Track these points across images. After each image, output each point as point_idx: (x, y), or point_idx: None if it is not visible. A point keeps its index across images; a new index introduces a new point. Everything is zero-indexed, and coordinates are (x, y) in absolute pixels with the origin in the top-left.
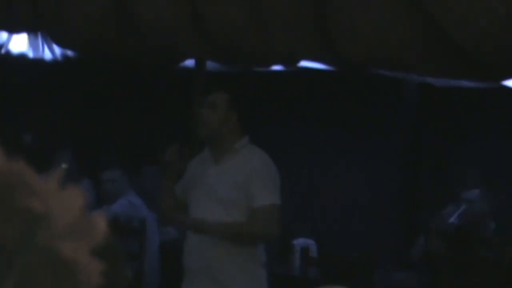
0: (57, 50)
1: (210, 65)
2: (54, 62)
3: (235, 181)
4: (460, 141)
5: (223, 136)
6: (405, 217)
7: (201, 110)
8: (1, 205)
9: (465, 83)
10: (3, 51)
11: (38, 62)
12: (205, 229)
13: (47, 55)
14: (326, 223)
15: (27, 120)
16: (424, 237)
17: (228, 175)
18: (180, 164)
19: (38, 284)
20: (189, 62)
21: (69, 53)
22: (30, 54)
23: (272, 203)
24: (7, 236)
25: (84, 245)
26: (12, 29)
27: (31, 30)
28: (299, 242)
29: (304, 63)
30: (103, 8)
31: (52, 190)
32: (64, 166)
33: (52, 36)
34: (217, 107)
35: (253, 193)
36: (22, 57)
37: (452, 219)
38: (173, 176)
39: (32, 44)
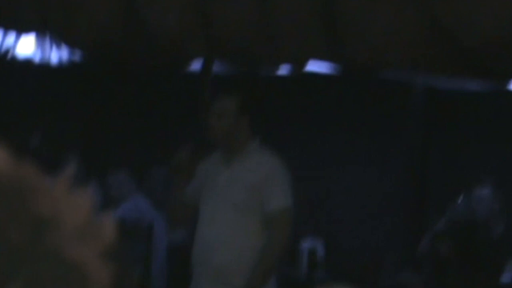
0: (65, 52)
1: (217, 68)
2: (61, 66)
3: (247, 185)
4: (468, 144)
5: (233, 140)
6: (413, 218)
7: (211, 115)
8: (10, 209)
9: (472, 87)
10: (9, 55)
11: (45, 66)
12: None
13: (54, 58)
14: (334, 223)
15: (34, 123)
16: (431, 236)
17: (240, 179)
18: (192, 166)
19: None
20: (197, 65)
21: (77, 56)
22: (37, 58)
23: (284, 206)
24: (16, 240)
25: (93, 248)
26: (20, 29)
27: (39, 30)
28: (306, 242)
29: (311, 67)
30: (111, 10)
31: (60, 194)
32: (71, 168)
33: (59, 35)
34: (227, 112)
35: (266, 196)
36: (28, 61)
37: (460, 215)
38: (184, 178)
39: (40, 45)
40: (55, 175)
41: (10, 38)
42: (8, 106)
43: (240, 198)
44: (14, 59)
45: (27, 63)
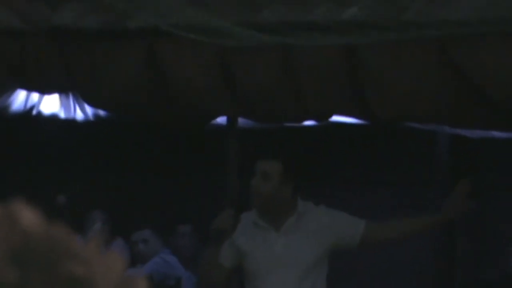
0: (89, 110)
1: (242, 121)
2: (86, 122)
3: (314, 246)
4: (497, 193)
5: (279, 205)
6: (444, 273)
7: (254, 178)
8: (44, 270)
9: (498, 134)
10: (34, 112)
11: (70, 123)
12: None
13: (79, 115)
14: (364, 281)
15: (60, 181)
16: None
17: (304, 242)
18: (232, 228)
19: None
20: (221, 120)
21: (101, 113)
22: (62, 115)
23: (365, 221)
24: None
25: None
26: (44, 90)
27: (62, 91)
28: None
29: (335, 118)
30: (135, 70)
31: (93, 254)
32: (97, 227)
33: (83, 97)
34: (270, 177)
35: (346, 233)
36: (53, 117)
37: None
38: (225, 240)
39: (64, 104)
40: (81, 233)
41: (34, 96)
42: (33, 164)
43: (312, 259)
44: (38, 116)
45: (51, 120)
